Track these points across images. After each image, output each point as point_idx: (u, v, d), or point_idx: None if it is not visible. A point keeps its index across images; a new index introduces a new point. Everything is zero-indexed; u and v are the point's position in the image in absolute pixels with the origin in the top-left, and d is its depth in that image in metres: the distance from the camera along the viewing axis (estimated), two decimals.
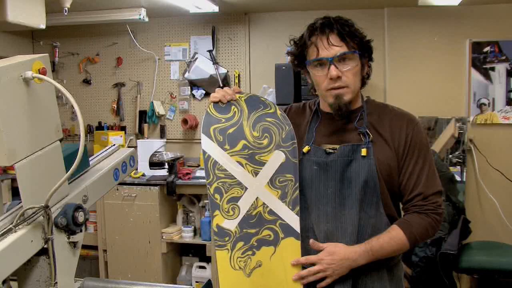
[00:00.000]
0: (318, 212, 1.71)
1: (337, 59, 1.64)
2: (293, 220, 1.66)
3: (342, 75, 1.65)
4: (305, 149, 1.73)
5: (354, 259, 1.61)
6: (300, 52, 1.74)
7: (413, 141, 1.69)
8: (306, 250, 1.69)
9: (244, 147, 1.67)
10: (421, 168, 1.68)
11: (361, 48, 1.68)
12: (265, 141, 1.68)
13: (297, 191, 1.67)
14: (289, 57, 1.83)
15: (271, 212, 1.66)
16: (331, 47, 1.63)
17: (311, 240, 1.66)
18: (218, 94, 1.71)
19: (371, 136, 1.69)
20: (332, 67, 1.64)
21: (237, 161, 1.66)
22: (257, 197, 1.66)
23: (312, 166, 1.72)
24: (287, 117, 1.72)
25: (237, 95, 1.72)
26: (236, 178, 1.65)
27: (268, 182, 1.66)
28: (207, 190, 1.66)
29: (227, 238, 1.64)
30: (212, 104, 1.71)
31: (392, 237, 1.63)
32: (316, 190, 1.71)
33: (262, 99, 1.73)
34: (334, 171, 1.69)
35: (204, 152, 1.66)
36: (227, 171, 1.65)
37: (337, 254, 1.61)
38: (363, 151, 1.67)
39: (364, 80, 1.77)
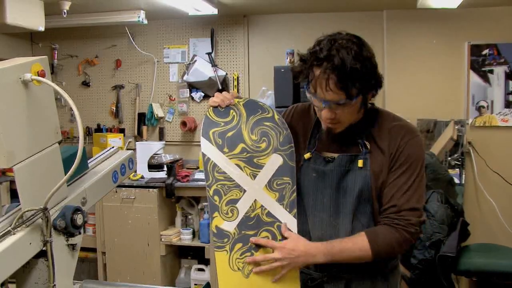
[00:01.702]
0: (314, 218, 1.72)
1: (332, 103, 1.56)
2: (291, 222, 1.67)
3: (336, 115, 1.60)
4: (307, 155, 1.74)
5: (313, 255, 1.60)
6: (302, 72, 1.63)
7: (403, 153, 1.64)
8: None
9: (243, 150, 1.69)
10: (404, 182, 1.63)
11: (366, 90, 1.57)
12: (263, 145, 1.70)
13: (295, 194, 1.69)
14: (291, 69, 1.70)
15: (269, 214, 1.67)
16: (328, 91, 1.52)
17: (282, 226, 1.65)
18: (217, 98, 1.72)
19: (369, 147, 1.67)
20: (325, 110, 1.59)
21: (236, 164, 1.68)
22: (255, 200, 1.67)
23: (311, 173, 1.73)
24: (284, 121, 1.74)
25: (236, 100, 1.74)
26: (235, 181, 1.67)
27: (266, 185, 1.68)
28: (206, 192, 1.67)
29: (226, 240, 1.65)
30: (211, 108, 1.72)
31: (356, 243, 1.60)
32: (313, 197, 1.72)
33: (260, 103, 1.76)
34: (331, 179, 1.70)
35: (204, 155, 1.68)
36: (226, 173, 1.67)
37: (299, 246, 1.60)
38: (360, 163, 1.66)
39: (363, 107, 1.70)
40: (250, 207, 1.67)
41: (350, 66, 1.49)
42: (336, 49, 1.51)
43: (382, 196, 1.66)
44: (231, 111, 1.72)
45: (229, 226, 1.66)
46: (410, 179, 1.63)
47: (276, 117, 1.73)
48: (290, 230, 1.65)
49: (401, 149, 1.64)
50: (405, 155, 1.64)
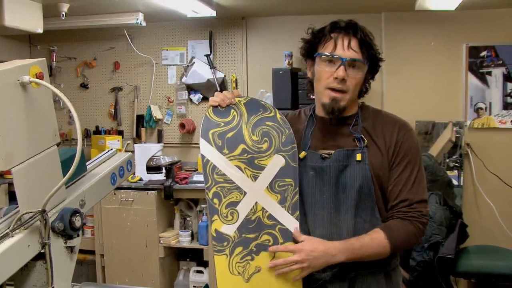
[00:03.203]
0: (314, 217, 1.71)
1: (349, 63, 1.64)
2: (293, 225, 1.64)
3: (347, 79, 1.65)
4: (301, 154, 1.72)
5: (333, 255, 1.58)
6: (315, 42, 1.72)
7: (402, 147, 1.69)
8: None
9: (243, 151, 1.65)
10: (408, 175, 1.67)
11: (371, 63, 1.70)
12: (265, 145, 1.66)
13: (297, 196, 1.65)
14: (301, 44, 1.79)
15: (270, 217, 1.64)
16: (349, 49, 1.65)
17: (294, 231, 1.63)
18: (217, 98, 1.69)
19: (366, 141, 1.69)
20: (342, 68, 1.64)
21: (236, 166, 1.64)
22: (256, 202, 1.64)
23: (309, 171, 1.71)
24: (287, 121, 1.71)
25: (237, 99, 1.70)
26: (235, 183, 1.63)
27: (267, 187, 1.64)
28: (205, 194, 1.64)
29: (225, 243, 1.62)
30: (211, 108, 1.69)
31: (373, 239, 1.61)
32: (312, 195, 1.71)
33: (262, 102, 1.72)
34: (329, 176, 1.69)
35: (203, 157, 1.64)
36: (226, 175, 1.63)
37: (318, 247, 1.59)
38: (358, 156, 1.67)
39: (362, 93, 1.78)
40: (251, 209, 1.63)
41: (368, 34, 1.69)
42: (355, 23, 1.70)
43: (385, 192, 1.69)
44: (232, 110, 1.68)
45: (229, 230, 1.62)
46: (413, 172, 1.68)
47: (278, 116, 1.70)
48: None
49: (399, 143, 1.69)
50: (404, 149, 1.69)
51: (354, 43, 1.65)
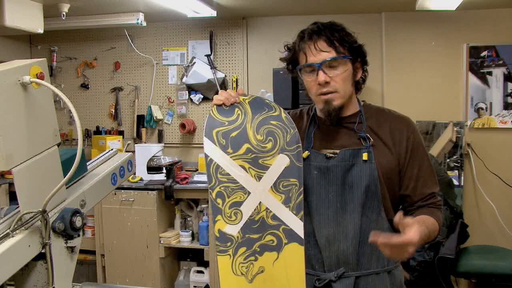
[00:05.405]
0: (319, 216, 1.71)
1: (326, 64, 1.64)
2: (297, 225, 1.62)
3: (331, 80, 1.65)
4: (304, 154, 1.72)
5: (420, 240, 1.44)
6: (291, 58, 1.75)
7: (415, 144, 1.72)
8: (307, 255, 1.68)
9: (248, 150, 1.63)
10: (425, 169, 1.73)
11: (352, 53, 1.69)
12: (269, 145, 1.64)
13: (301, 196, 1.63)
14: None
15: (274, 217, 1.62)
16: (319, 52, 1.65)
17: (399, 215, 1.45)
18: (221, 96, 1.66)
19: (372, 140, 1.70)
20: (321, 72, 1.64)
21: (240, 165, 1.62)
22: (260, 202, 1.62)
23: (313, 171, 1.71)
24: (292, 120, 1.68)
25: (241, 97, 1.67)
26: (239, 183, 1.61)
27: (271, 187, 1.62)
28: (209, 194, 1.62)
29: (229, 244, 1.60)
30: (215, 106, 1.66)
31: (433, 223, 1.63)
32: (317, 195, 1.71)
33: (267, 101, 1.69)
34: (335, 175, 1.69)
35: (206, 156, 1.62)
36: (230, 175, 1.61)
37: (421, 237, 1.45)
38: (364, 156, 1.67)
39: (359, 84, 1.78)
40: (255, 209, 1.61)
41: (334, 26, 1.68)
42: (319, 23, 1.70)
43: (394, 190, 1.71)
44: (236, 109, 1.65)
45: (233, 230, 1.60)
46: (429, 165, 1.75)
47: (283, 115, 1.66)
48: (296, 232, 1.63)
49: (411, 141, 1.72)
50: (417, 145, 1.73)
51: (321, 44, 1.65)
